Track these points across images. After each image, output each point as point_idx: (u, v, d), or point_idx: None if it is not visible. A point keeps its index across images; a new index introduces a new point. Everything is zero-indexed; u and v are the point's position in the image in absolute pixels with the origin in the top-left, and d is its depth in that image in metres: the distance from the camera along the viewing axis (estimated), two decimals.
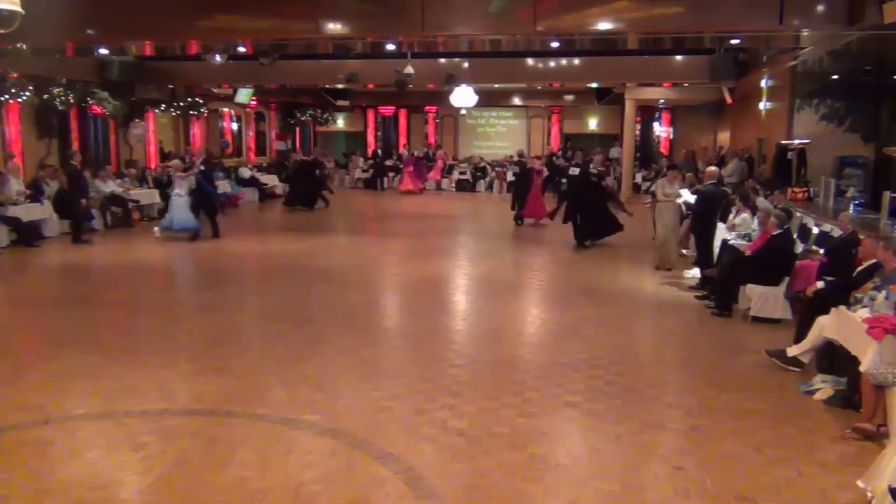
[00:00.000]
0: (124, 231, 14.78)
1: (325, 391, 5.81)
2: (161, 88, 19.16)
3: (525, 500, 4.19)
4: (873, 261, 6.18)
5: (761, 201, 10.56)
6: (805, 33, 10.15)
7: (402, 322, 8.63)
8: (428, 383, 5.99)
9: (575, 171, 14.35)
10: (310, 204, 18.78)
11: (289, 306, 8.66)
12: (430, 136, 27.64)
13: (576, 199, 13.33)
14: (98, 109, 16.71)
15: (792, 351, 6.34)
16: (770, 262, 7.89)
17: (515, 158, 22.53)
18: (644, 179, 22.09)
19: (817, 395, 5.70)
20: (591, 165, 13.46)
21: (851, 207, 9.63)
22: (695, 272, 9.83)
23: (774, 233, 7.97)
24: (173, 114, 19.98)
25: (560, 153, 23.78)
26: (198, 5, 9.97)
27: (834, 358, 6.01)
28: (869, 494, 4.03)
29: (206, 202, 13.82)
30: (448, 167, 25.03)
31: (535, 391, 5.85)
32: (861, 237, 7.15)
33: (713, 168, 10.89)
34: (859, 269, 6.43)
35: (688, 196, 10.71)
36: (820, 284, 6.69)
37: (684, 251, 11.58)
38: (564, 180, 16.21)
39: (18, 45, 11.48)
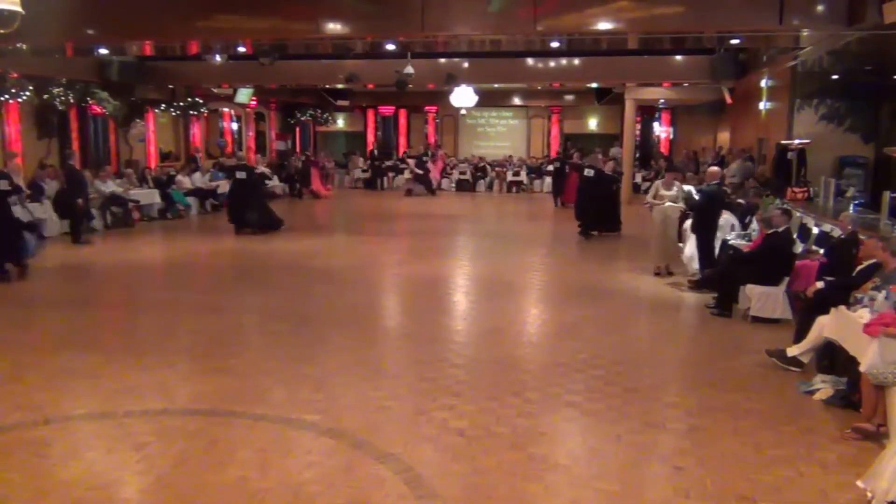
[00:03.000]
0: (124, 231, 14.79)
1: (325, 391, 5.81)
2: (161, 88, 19.17)
3: (525, 500, 4.19)
4: (873, 261, 6.18)
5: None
6: (805, 33, 10.14)
7: (402, 322, 8.62)
8: (428, 383, 5.99)
9: (590, 172, 14.68)
10: (258, 225, 14.34)
11: (289, 306, 8.66)
12: (430, 136, 27.64)
13: (589, 197, 14.52)
14: (98, 109, 16.72)
15: (792, 351, 6.34)
16: (768, 261, 7.89)
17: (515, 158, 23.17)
18: (644, 179, 22.10)
19: (817, 395, 5.71)
20: (605, 168, 14.83)
21: (851, 207, 9.61)
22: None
23: (768, 231, 8.02)
24: (173, 114, 19.99)
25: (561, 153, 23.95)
26: (198, 5, 9.97)
27: (834, 358, 6.01)
28: (869, 494, 4.03)
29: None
30: (446, 168, 25.03)
31: (535, 391, 5.85)
32: (861, 237, 7.14)
33: (716, 168, 10.88)
34: (859, 268, 6.43)
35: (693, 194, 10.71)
36: (820, 284, 6.68)
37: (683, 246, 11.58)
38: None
39: (18, 45, 11.48)
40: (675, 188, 10.72)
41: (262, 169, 16.08)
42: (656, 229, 10.69)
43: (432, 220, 17.35)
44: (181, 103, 19.72)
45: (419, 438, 4.94)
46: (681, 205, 10.64)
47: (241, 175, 14.57)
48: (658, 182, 11.15)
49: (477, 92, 19.06)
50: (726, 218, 10.30)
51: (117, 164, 17.47)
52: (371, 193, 23.76)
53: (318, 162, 23.49)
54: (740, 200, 11.58)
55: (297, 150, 25.96)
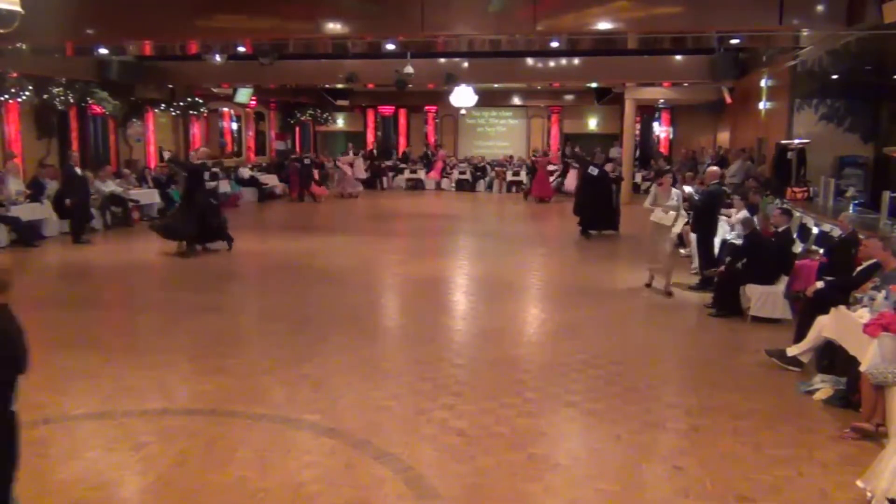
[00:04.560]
0: (124, 231, 14.78)
1: (324, 391, 5.81)
2: (161, 88, 19.16)
3: (525, 500, 4.19)
4: (873, 261, 6.19)
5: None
6: (805, 33, 10.15)
7: (402, 322, 8.62)
8: (428, 383, 5.99)
9: (594, 170, 14.75)
10: (200, 239, 12.04)
11: (289, 306, 8.66)
12: (429, 136, 27.64)
13: (590, 196, 14.56)
14: (98, 109, 16.71)
15: (792, 351, 6.35)
16: (753, 259, 7.92)
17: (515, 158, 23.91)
18: (644, 179, 22.12)
19: (817, 395, 5.71)
20: (608, 169, 14.82)
21: (851, 207, 9.63)
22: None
23: (746, 232, 8.20)
24: (173, 114, 19.99)
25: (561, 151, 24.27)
26: (198, 5, 9.96)
27: (834, 358, 6.02)
28: (868, 494, 4.04)
29: None
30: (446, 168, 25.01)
31: (535, 391, 5.85)
32: (861, 237, 7.15)
33: (715, 168, 10.87)
34: (859, 269, 6.43)
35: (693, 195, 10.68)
36: (820, 284, 6.69)
37: (682, 250, 11.57)
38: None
39: (18, 45, 11.47)
40: (674, 197, 9.38)
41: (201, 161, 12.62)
42: (650, 236, 9.70)
43: (432, 220, 17.35)
44: (181, 103, 19.70)
45: (419, 438, 4.94)
46: (681, 215, 9.50)
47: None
48: (656, 188, 9.94)
49: (477, 92, 19.05)
50: (745, 213, 10.28)
51: (117, 164, 17.46)
52: (371, 193, 23.73)
53: (321, 163, 23.02)
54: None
55: (298, 149, 25.92)
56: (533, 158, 22.71)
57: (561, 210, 19.03)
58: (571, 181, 22.20)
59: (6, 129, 14.64)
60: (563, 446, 4.96)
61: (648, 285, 9.71)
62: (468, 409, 5.44)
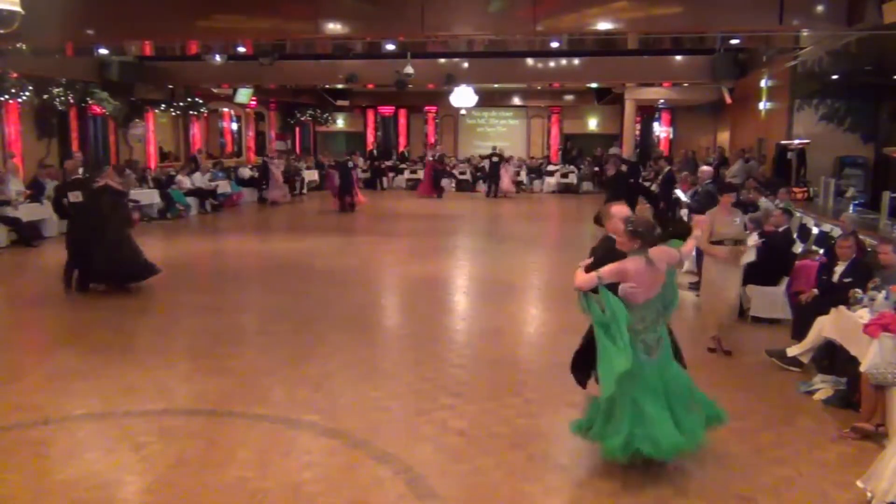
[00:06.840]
0: None
1: (324, 391, 5.81)
2: (161, 88, 19.18)
3: (525, 500, 4.19)
4: (852, 257, 6.28)
5: (764, 201, 10.56)
6: (805, 33, 10.18)
7: (402, 322, 8.62)
8: (428, 383, 5.98)
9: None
10: (114, 278, 9.28)
11: (288, 306, 8.65)
12: (429, 136, 27.65)
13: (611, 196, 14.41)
14: (98, 109, 16.72)
15: (792, 351, 6.35)
16: (767, 261, 7.90)
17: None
18: (644, 180, 22.10)
19: (817, 395, 5.71)
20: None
21: (851, 207, 9.64)
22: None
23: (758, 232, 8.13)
24: (173, 114, 20.00)
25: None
26: (198, 5, 9.98)
27: (834, 358, 6.01)
28: (869, 495, 4.03)
29: None
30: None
31: (536, 391, 5.85)
32: (861, 237, 7.16)
33: (707, 167, 10.88)
34: (840, 271, 6.43)
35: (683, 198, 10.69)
36: (838, 273, 6.62)
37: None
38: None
39: (18, 45, 11.49)
40: (738, 219, 7.05)
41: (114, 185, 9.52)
42: (708, 286, 7.03)
43: (432, 221, 17.34)
44: (181, 103, 19.73)
45: (419, 438, 4.94)
46: (752, 244, 7.43)
47: (75, 198, 9.28)
48: (713, 210, 7.15)
49: (477, 92, 19.07)
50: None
51: (117, 164, 17.45)
52: (371, 193, 23.73)
53: (355, 167, 20.16)
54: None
55: (298, 150, 25.91)
56: (428, 160, 23.31)
57: (562, 211, 19.05)
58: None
59: (6, 129, 14.65)
60: (563, 446, 4.95)
61: (713, 350, 6.97)
62: (468, 409, 5.44)
